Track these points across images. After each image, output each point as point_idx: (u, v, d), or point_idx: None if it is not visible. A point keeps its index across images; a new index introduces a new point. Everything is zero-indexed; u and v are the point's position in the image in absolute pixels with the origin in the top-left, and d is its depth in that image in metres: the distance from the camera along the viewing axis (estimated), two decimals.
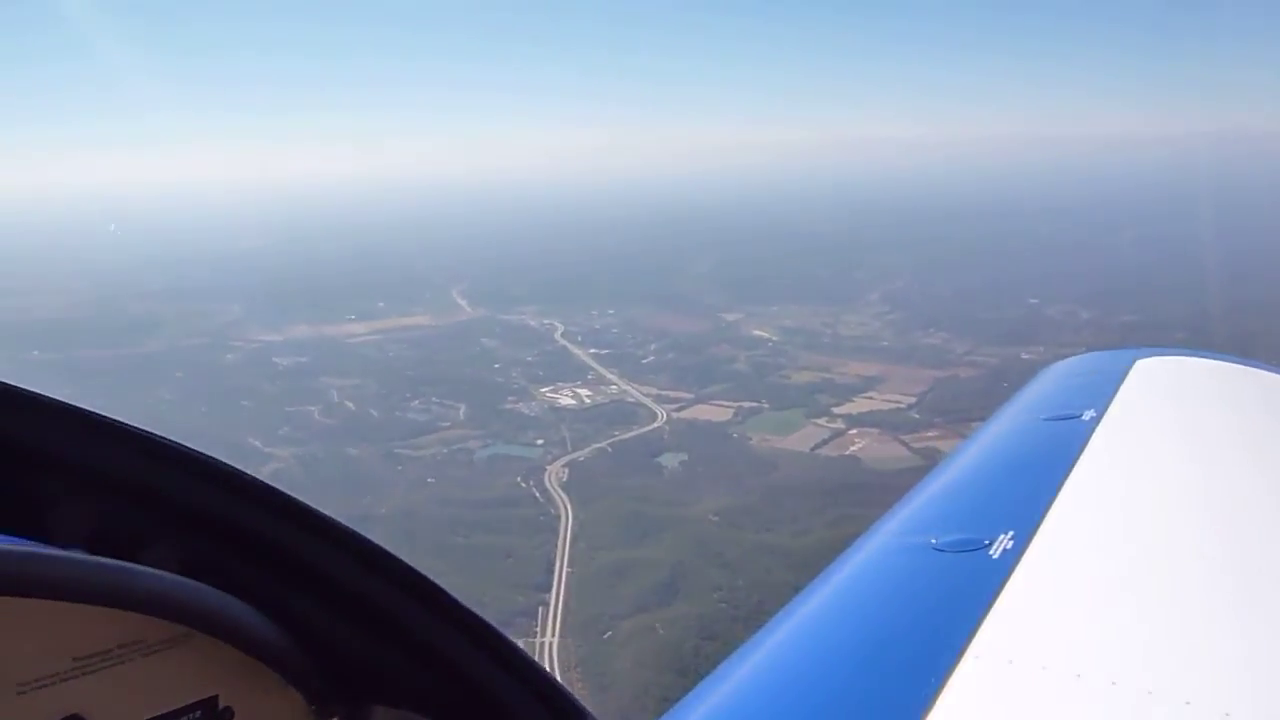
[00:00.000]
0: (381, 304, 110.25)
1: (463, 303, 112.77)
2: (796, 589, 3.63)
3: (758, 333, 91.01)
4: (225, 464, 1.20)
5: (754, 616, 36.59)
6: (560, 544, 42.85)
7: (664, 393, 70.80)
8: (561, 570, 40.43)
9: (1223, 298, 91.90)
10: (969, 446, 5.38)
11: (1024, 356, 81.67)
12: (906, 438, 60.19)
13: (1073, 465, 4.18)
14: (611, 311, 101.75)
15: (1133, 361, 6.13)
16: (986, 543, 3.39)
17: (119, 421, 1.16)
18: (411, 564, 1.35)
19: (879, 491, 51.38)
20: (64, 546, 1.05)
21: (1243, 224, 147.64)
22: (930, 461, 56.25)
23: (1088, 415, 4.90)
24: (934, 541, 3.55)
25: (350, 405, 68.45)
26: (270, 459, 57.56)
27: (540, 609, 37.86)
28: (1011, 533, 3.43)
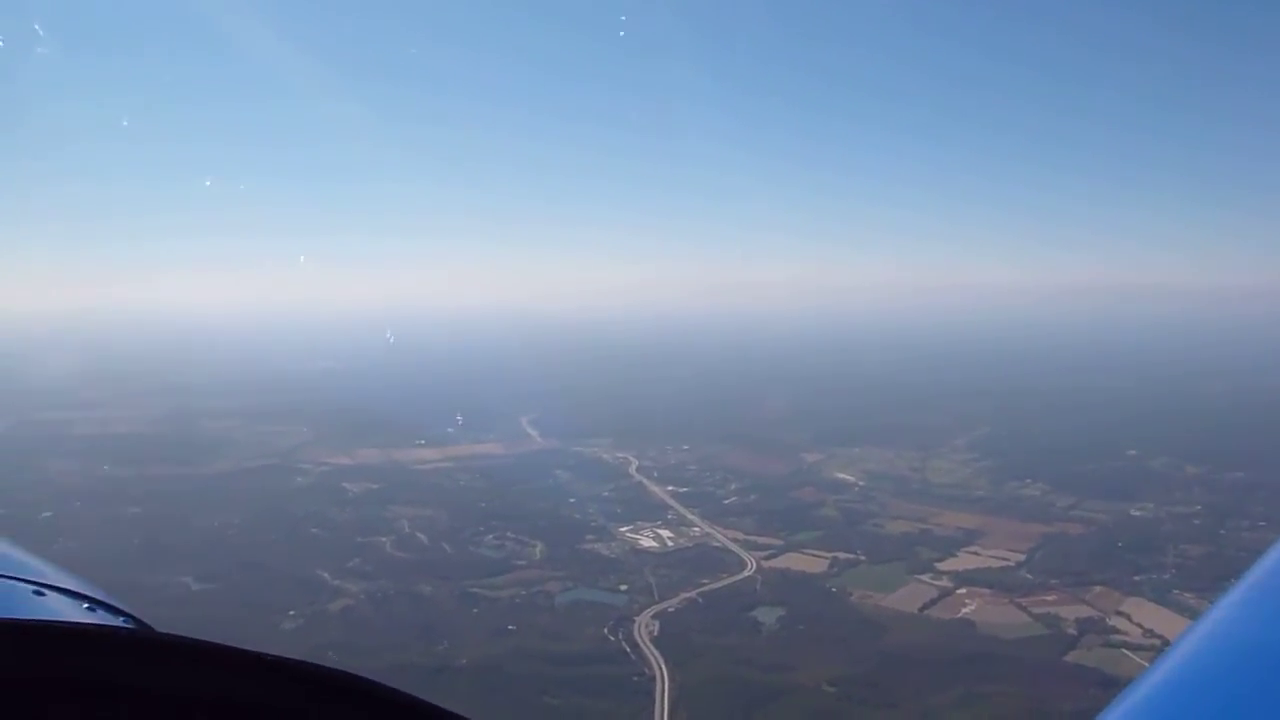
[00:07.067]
0: (450, 430, 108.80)
1: (533, 432, 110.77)
2: None
3: (842, 476, 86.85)
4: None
5: None
6: (659, 713, 38.54)
7: (750, 538, 66.84)
8: None
9: None
10: (1205, 641, 3.57)
11: (1134, 514, 76.16)
12: (1023, 601, 55.17)
13: None
14: (686, 447, 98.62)
15: None
16: None
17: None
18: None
19: (1004, 665, 46.35)
20: None
21: None
22: (1054, 631, 50.95)
23: None
24: None
25: (422, 537, 65.59)
26: (339, 594, 54.62)
27: None
28: None
